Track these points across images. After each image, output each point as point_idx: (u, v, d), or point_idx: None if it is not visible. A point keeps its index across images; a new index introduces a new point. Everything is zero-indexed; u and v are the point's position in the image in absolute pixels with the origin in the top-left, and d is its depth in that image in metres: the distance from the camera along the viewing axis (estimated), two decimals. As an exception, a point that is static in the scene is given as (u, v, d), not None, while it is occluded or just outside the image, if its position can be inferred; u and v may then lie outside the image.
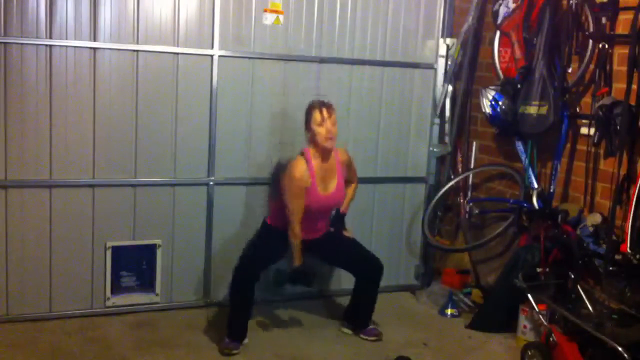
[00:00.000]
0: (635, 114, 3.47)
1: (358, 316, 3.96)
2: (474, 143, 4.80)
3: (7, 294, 3.79)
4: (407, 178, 4.64)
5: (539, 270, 3.79)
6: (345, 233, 3.98)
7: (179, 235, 4.10)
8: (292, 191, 3.58)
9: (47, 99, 3.70)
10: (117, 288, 4.05)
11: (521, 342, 3.76)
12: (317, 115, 3.58)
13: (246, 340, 3.70)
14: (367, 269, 3.90)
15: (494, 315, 4.07)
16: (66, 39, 3.68)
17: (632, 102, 3.45)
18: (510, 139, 4.31)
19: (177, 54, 3.93)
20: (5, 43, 3.57)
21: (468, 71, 4.71)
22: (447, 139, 4.73)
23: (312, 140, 3.63)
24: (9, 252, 3.76)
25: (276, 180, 4.06)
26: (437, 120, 4.67)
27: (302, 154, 3.67)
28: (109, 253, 3.94)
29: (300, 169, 3.60)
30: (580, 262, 3.62)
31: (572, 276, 3.66)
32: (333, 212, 3.91)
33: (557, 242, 3.77)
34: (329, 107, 3.62)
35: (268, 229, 3.84)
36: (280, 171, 3.97)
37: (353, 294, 3.99)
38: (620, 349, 3.01)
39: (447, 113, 4.69)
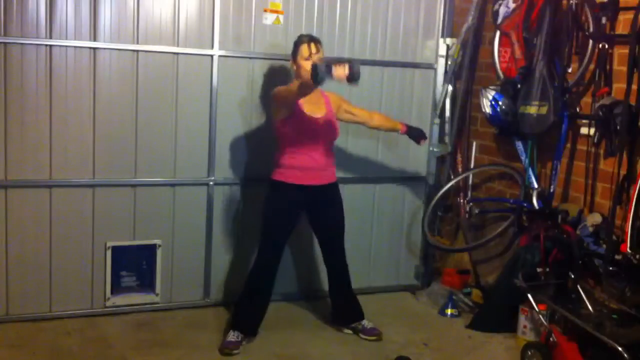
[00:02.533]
0: (635, 114, 3.47)
1: (348, 310, 3.96)
2: (474, 143, 4.80)
3: (7, 294, 3.79)
4: (407, 178, 4.64)
5: (539, 270, 3.79)
6: (422, 142, 4.07)
7: (179, 235, 4.10)
8: (280, 91, 3.56)
9: (47, 99, 3.70)
10: (117, 288, 4.05)
11: (521, 342, 3.76)
12: (304, 49, 3.57)
13: (249, 340, 3.69)
14: (336, 275, 3.93)
15: (494, 315, 4.07)
16: (66, 39, 3.68)
17: (632, 102, 3.46)
18: (510, 139, 4.31)
19: (177, 54, 3.93)
20: (5, 43, 3.57)
21: (468, 71, 4.71)
22: (447, 139, 4.73)
23: (297, 74, 3.62)
24: (9, 252, 3.76)
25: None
26: (437, 120, 4.67)
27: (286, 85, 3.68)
28: (109, 253, 3.94)
29: (283, 87, 3.62)
30: (580, 262, 3.62)
31: (572, 276, 3.67)
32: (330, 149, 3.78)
33: (557, 242, 3.77)
34: (317, 42, 3.61)
35: (276, 186, 3.70)
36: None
37: (330, 293, 4.00)
38: (620, 349, 3.01)
39: (447, 113, 4.69)
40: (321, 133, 3.68)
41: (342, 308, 3.99)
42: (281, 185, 3.68)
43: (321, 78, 3.14)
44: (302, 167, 3.62)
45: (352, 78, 3.16)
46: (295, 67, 3.64)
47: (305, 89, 3.38)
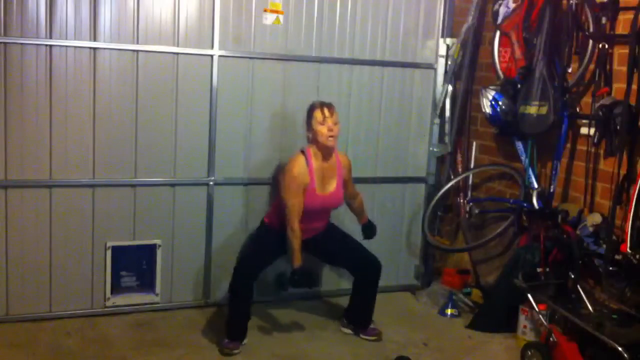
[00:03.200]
0: (635, 114, 3.47)
1: (358, 316, 3.96)
2: (474, 143, 4.80)
3: (7, 294, 3.79)
4: (407, 178, 4.64)
5: (539, 270, 3.79)
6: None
7: (179, 235, 4.10)
8: (290, 188, 3.57)
9: (47, 99, 3.70)
10: (117, 288, 4.05)
11: (521, 342, 3.76)
12: (318, 115, 3.58)
13: (245, 341, 3.70)
14: (366, 268, 3.90)
15: (494, 315, 4.07)
16: (66, 39, 3.68)
17: (632, 102, 3.45)
18: (510, 139, 4.31)
19: (177, 54, 3.93)
20: (5, 43, 3.57)
21: (468, 71, 4.71)
22: (447, 139, 4.73)
23: (314, 139, 3.63)
24: (9, 252, 3.76)
25: (276, 179, 4.06)
26: (437, 120, 4.67)
27: (302, 151, 3.67)
28: (109, 253, 3.94)
29: (299, 166, 3.60)
30: (580, 262, 3.62)
31: (572, 276, 3.67)
32: (331, 213, 3.90)
33: (557, 242, 3.77)
34: (330, 106, 3.63)
35: (265, 228, 3.84)
36: (280, 170, 3.97)
37: (352, 294, 3.99)
38: (620, 349, 3.01)
39: (447, 113, 4.69)
40: (330, 206, 3.79)
41: (355, 310, 3.97)
42: (270, 230, 3.78)
43: (282, 286, 3.94)
44: (301, 228, 3.62)
45: (306, 286, 3.74)
46: (310, 134, 3.64)
47: (291, 238, 3.56)
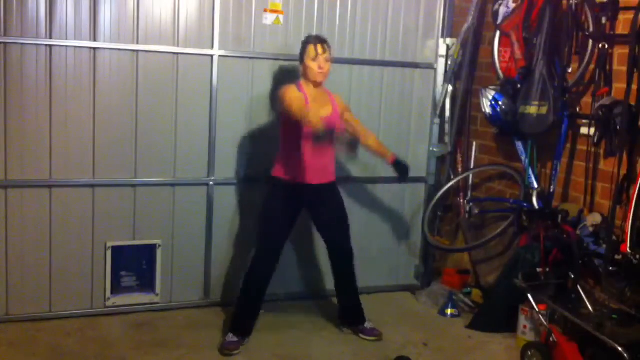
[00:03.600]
0: (635, 114, 3.47)
1: (351, 314, 3.97)
2: (474, 143, 4.80)
3: (7, 294, 3.79)
4: (407, 178, 4.63)
5: (539, 270, 3.79)
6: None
7: (179, 235, 4.10)
8: (288, 93, 3.53)
9: (47, 99, 3.70)
10: (117, 288, 4.05)
11: (521, 342, 3.76)
12: (311, 50, 3.59)
13: (247, 340, 3.70)
14: (340, 253, 3.89)
15: (494, 315, 4.07)
16: (66, 39, 3.68)
17: (632, 102, 3.45)
18: (510, 139, 4.31)
19: (177, 54, 3.93)
20: (5, 43, 3.57)
21: (468, 71, 4.71)
22: (447, 139, 4.74)
23: (304, 74, 3.64)
24: (9, 252, 3.76)
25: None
26: (437, 120, 4.67)
27: (293, 83, 3.68)
28: (109, 253, 3.94)
29: (291, 86, 3.61)
30: (580, 262, 3.62)
31: (572, 276, 3.67)
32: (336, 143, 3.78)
33: (557, 242, 3.77)
34: (324, 42, 3.63)
35: (275, 183, 3.72)
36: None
37: (337, 294, 4.00)
38: (620, 349, 3.01)
39: (447, 113, 4.69)
40: (329, 129, 3.66)
41: (344, 309, 4.00)
42: (279, 182, 3.69)
43: (320, 140, 3.51)
44: (299, 164, 3.61)
45: (351, 151, 3.77)
46: (302, 67, 3.65)
47: (300, 119, 3.41)
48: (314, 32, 4.15)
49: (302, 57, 3.64)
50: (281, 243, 3.76)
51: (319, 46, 3.59)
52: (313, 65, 3.59)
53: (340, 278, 3.94)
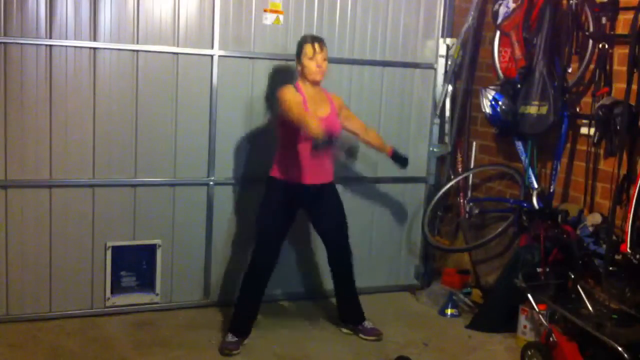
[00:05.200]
0: (635, 114, 3.47)
1: (350, 313, 3.97)
2: (474, 143, 4.80)
3: (7, 294, 3.79)
4: (407, 178, 4.64)
5: (539, 270, 3.79)
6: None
7: (179, 235, 4.10)
8: (286, 95, 3.54)
9: (47, 99, 3.70)
10: (117, 288, 4.05)
11: (521, 342, 3.76)
12: (308, 49, 3.58)
13: (247, 340, 3.70)
14: (339, 254, 3.90)
15: (494, 315, 4.07)
16: (66, 39, 3.68)
17: (632, 102, 3.45)
18: (510, 139, 4.31)
19: (177, 54, 3.93)
20: (5, 43, 3.57)
21: (468, 71, 4.71)
22: (447, 139, 4.74)
23: (302, 73, 3.63)
24: (9, 252, 3.76)
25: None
26: (437, 120, 4.67)
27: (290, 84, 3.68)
28: (109, 253, 3.94)
29: (289, 88, 3.61)
30: (580, 262, 3.62)
31: (572, 276, 3.67)
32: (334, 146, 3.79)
33: (557, 242, 3.77)
34: (320, 41, 3.62)
35: (272, 182, 3.72)
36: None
37: (335, 293, 4.00)
38: (620, 349, 3.01)
39: (447, 113, 4.69)
40: (327, 130, 3.67)
41: (344, 308, 4.00)
42: (277, 183, 3.69)
43: (319, 148, 3.46)
44: (298, 165, 3.61)
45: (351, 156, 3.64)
46: (299, 67, 3.64)
47: (299, 125, 3.40)
48: (314, 32, 4.16)
49: (298, 56, 3.64)
50: (279, 242, 3.75)
51: (316, 45, 3.59)
52: (311, 64, 3.58)
53: (339, 278, 3.95)
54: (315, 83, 3.65)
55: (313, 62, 3.58)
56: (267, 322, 4.02)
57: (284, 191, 3.67)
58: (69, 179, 3.81)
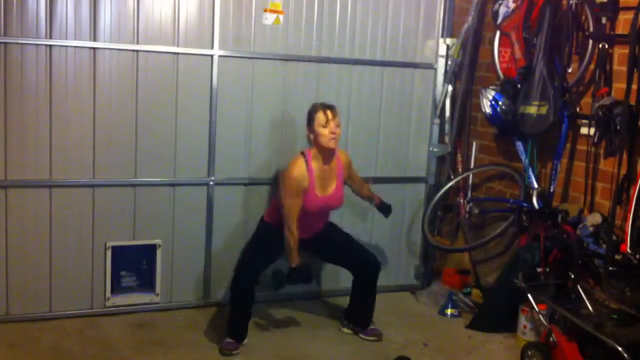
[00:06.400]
0: (635, 114, 3.47)
1: (358, 316, 3.97)
2: (474, 143, 4.80)
3: (7, 294, 3.79)
4: (407, 178, 4.64)
5: (539, 270, 3.79)
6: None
7: (179, 235, 4.10)
8: (289, 190, 3.57)
9: (47, 99, 3.70)
10: (117, 288, 4.05)
11: (521, 342, 3.76)
12: (321, 117, 3.58)
13: (246, 341, 3.70)
14: (365, 268, 3.90)
15: (494, 315, 4.07)
16: (66, 39, 3.68)
17: (632, 102, 3.45)
18: (510, 139, 4.31)
19: (177, 54, 3.93)
20: (5, 43, 3.57)
21: (468, 71, 4.71)
22: (447, 139, 4.73)
23: (315, 141, 3.62)
24: (9, 252, 3.76)
25: (276, 179, 4.06)
26: (437, 120, 4.67)
27: (302, 154, 3.66)
28: (109, 253, 3.94)
29: (298, 168, 3.59)
30: (580, 262, 3.63)
31: (572, 276, 3.67)
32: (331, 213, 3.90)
33: (557, 242, 3.77)
34: (332, 108, 3.63)
35: (265, 226, 3.83)
36: (280, 173, 3.97)
37: (352, 293, 4.00)
38: (620, 349, 3.01)
39: (447, 113, 4.69)
40: (330, 208, 3.78)
41: (356, 310, 3.98)
42: (270, 227, 3.76)
43: (279, 284, 3.75)
44: (300, 228, 3.61)
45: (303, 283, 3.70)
46: (312, 135, 3.62)
47: (288, 237, 3.56)
48: (314, 33, 4.18)
49: (310, 125, 3.62)
50: (261, 271, 3.76)
51: (329, 112, 3.58)
52: (325, 132, 3.56)
53: (364, 285, 3.94)
54: (329, 150, 3.63)
55: (327, 129, 3.56)
56: (267, 322, 4.03)
57: (277, 237, 3.67)
58: (69, 179, 3.81)
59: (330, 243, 3.89)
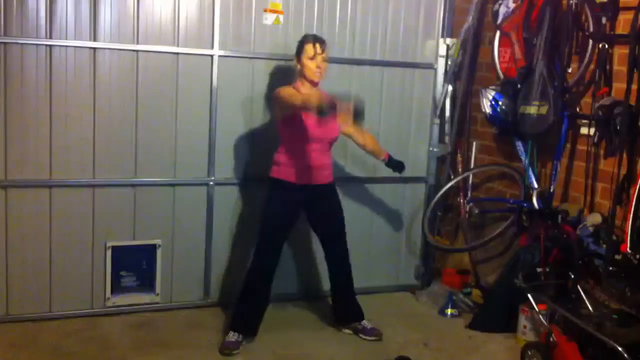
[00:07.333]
0: (635, 114, 3.47)
1: (348, 311, 3.96)
2: (474, 143, 4.80)
3: (7, 294, 3.79)
4: (407, 178, 4.64)
5: (539, 270, 3.79)
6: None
7: (179, 235, 4.10)
8: (283, 92, 3.53)
9: (47, 99, 3.70)
10: (117, 288, 4.05)
11: (521, 342, 3.76)
12: (309, 49, 3.58)
13: (249, 340, 3.70)
14: (337, 265, 3.91)
15: (494, 315, 4.07)
16: (66, 39, 3.68)
17: (632, 102, 3.45)
18: (510, 139, 4.31)
19: (177, 54, 3.93)
20: (5, 43, 3.58)
21: (468, 71, 4.71)
22: (447, 139, 4.74)
23: (301, 73, 3.63)
24: (9, 252, 3.76)
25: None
26: (437, 120, 4.67)
27: (289, 84, 3.67)
28: (109, 253, 3.94)
29: (288, 87, 3.61)
30: (580, 262, 3.62)
31: (572, 276, 3.67)
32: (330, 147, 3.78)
33: (557, 242, 3.77)
34: (322, 42, 3.62)
35: (274, 184, 3.70)
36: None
37: (333, 292, 4.00)
38: (620, 349, 3.01)
39: (447, 113, 4.69)
40: (322, 133, 3.67)
41: (343, 308, 4.00)
42: (279, 184, 3.68)
43: (325, 115, 3.21)
44: (299, 165, 3.62)
45: (357, 118, 3.19)
46: (299, 66, 3.63)
47: (305, 109, 3.41)
48: (314, 33, 4.16)
49: (298, 55, 3.63)
50: (281, 243, 3.76)
51: (317, 45, 3.59)
52: (311, 64, 3.58)
53: (337, 278, 3.94)
54: (314, 84, 3.65)
55: (313, 63, 3.58)
56: (267, 322, 4.02)
57: (286, 192, 3.67)
58: (69, 179, 3.81)
59: (324, 212, 3.83)
